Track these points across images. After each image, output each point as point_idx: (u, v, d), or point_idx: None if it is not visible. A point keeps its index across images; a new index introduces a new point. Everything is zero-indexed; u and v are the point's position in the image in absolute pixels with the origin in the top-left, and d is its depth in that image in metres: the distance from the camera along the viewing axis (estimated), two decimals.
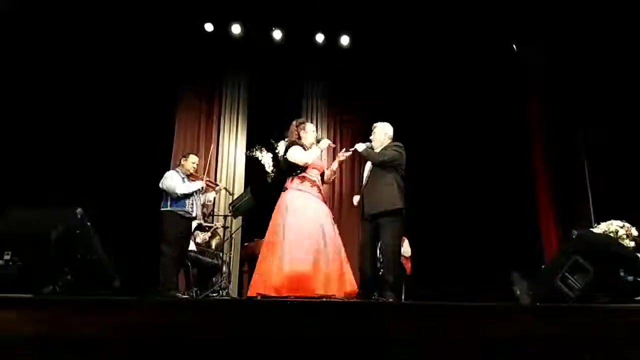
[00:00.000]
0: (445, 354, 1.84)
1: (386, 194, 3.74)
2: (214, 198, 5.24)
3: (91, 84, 5.84)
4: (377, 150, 3.94)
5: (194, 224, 5.30)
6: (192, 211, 4.48)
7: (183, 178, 4.53)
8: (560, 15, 5.56)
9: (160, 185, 4.45)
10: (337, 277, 3.40)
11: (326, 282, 3.31)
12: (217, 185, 5.01)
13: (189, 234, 4.65)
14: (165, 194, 4.42)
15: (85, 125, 5.70)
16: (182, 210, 4.39)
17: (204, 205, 5.02)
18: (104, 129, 5.76)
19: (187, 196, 4.43)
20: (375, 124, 4.10)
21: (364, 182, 3.98)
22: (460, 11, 5.94)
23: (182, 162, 4.67)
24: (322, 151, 3.84)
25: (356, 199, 4.03)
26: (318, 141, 3.84)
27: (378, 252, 4.02)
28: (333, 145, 4.17)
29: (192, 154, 4.82)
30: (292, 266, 3.29)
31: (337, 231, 3.64)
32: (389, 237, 3.71)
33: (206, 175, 4.81)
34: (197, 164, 4.74)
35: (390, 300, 3.55)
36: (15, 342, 1.62)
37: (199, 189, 4.58)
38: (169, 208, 4.37)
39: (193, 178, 4.64)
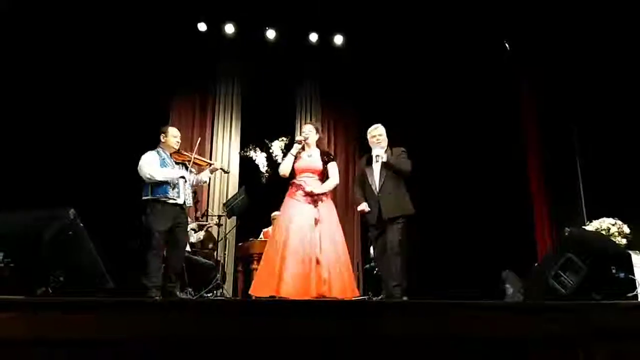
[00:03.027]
0: (437, 352, 1.85)
1: (405, 200, 3.93)
2: (209, 179, 4.61)
3: (84, 83, 5.80)
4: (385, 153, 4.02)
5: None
6: (178, 197, 3.94)
7: (163, 159, 4.01)
8: (553, 13, 5.59)
9: (138, 170, 3.94)
10: (313, 280, 3.48)
11: (287, 285, 3.42)
12: (210, 163, 4.40)
13: (181, 222, 4.04)
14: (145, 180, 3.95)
15: (78, 125, 5.66)
16: (164, 197, 3.88)
17: (195, 186, 4.49)
18: (97, 129, 5.72)
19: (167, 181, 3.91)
20: (377, 128, 4.12)
21: (377, 187, 3.97)
22: (453, 10, 5.96)
23: (162, 139, 4.08)
24: (294, 155, 3.88)
25: (363, 206, 4.03)
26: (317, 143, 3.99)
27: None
28: (300, 138, 3.96)
29: (170, 126, 4.25)
30: (260, 269, 3.71)
31: (327, 233, 3.67)
32: (398, 240, 3.81)
33: (195, 153, 4.25)
34: (179, 138, 4.17)
35: (404, 298, 3.63)
36: (7, 345, 1.61)
37: (188, 167, 4.09)
38: (150, 196, 3.88)
39: (179, 157, 4.12)
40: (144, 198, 3.91)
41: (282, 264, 3.48)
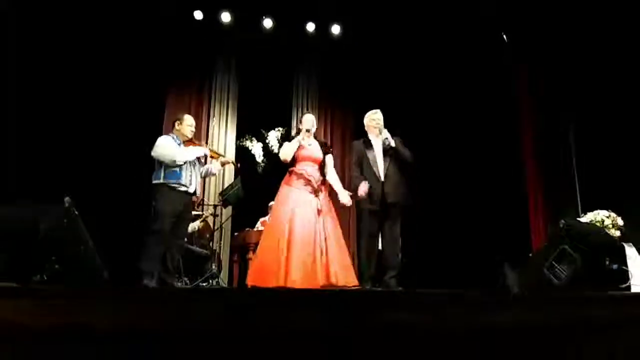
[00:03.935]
0: (437, 343, 1.87)
1: (406, 187, 3.93)
2: (219, 171, 4.54)
3: (80, 73, 5.74)
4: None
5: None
6: (190, 184, 3.85)
7: (179, 144, 3.90)
8: (552, 7, 5.58)
9: (152, 153, 3.81)
10: (319, 269, 3.47)
11: (293, 274, 3.39)
12: (221, 155, 4.34)
13: (187, 212, 3.99)
14: (158, 164, 3.80)
15: (72, 117, 5.61)
16: (176, 183, 3.77)
17: (206, 176, 4.42)
18: (92, 121, 5.67)
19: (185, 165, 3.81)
20: (377, 112, 4.09)
21: (381, 171, 3.91)
22: (452, 8, 5.94)
23: (177, 127, 3.97)
24: (299, 142, 3.81)
25: (365, 186, 3.85)
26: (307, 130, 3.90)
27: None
28: (311, 130, 4.01)
29: (187, 114, 4.11)
30: (260, 258, 3.58)
31: (330, 223, 3.68)
32: (399, 227, 3.88)
33: (209, 144, 4.24)
34: (194, 128, 4.09)
35: (400, 289, 3.67)
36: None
37: (199, 157, 3.98)
38: (161, 180, 3.74)
39: (191, 145, 4.02)
40: (154, 182, 3.78)
41: (288, 254, 3.44)
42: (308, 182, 3.71)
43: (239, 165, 5.19)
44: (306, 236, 3.52)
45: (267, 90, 6.73)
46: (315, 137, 3.96)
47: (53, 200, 2.63)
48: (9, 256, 2.35)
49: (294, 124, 6.77)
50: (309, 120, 3.94)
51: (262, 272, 3.51)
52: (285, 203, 3.67)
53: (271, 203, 5.40)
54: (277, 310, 1.80)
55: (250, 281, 3.55)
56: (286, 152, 3.78)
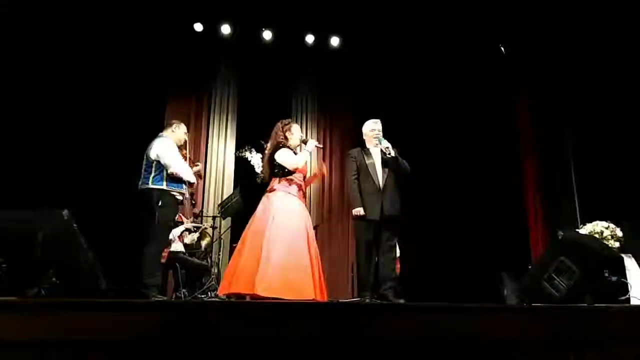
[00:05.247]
0: (434, 354, 1.86)
1: (400, 200, 3.89)
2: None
3: (79, 84, 5.77)
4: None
5: (181, 227, 5.24)
6: (187, 193, 3.76)
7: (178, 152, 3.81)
8: (550, 16, 5.62)
9: (152, 155, 3.60)
10: (319, 282, 3.43)
11: (311, 286, 3.34)
12: (196, 165, 4.26)
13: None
14: (157, 167, 3.57)
15: (72, 128, 5.63)
16: (177, 191, 3.61)
17: None
18: (93, 132, 5.69)
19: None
20: (377, 122, 4.08)
21: (380, 182, 3.88)
22: (451, 12, 5.99)
23: (174, 130, 3.86)
24: (310, 153, 3.83)
25: (359, 210, 3.82)
26: (304, 142, 3.86)
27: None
28: (320, 146, 4.05)
29: (182, 123, 4.01)
30: (280, 269, 3.30)
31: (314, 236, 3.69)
32: (395, 238, 3.87)
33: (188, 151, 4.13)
34: (187, 137, 4.00)
35: (402, 301, 3.62)
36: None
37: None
38: (165, 187, 3.54)
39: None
40: (155, 186, 3.54)
41: (312, 269, 3.39)
42: (303, 194, 3.73)
43: (201, 176, 5.12)
44: (317, 254, 3.56)
45: (266, 101, 6.75)
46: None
47: (52, 207, 2.63)
48: (6, 262, 2.34)
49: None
50: (300, 131, 3.93)
51: (287, 284, 3.26)
52: (298, 217, 3.55)
53: None
54: (275, 322, 1.79)
55: (270, 292, 3.19)
56: (300, 162, 3.69)
